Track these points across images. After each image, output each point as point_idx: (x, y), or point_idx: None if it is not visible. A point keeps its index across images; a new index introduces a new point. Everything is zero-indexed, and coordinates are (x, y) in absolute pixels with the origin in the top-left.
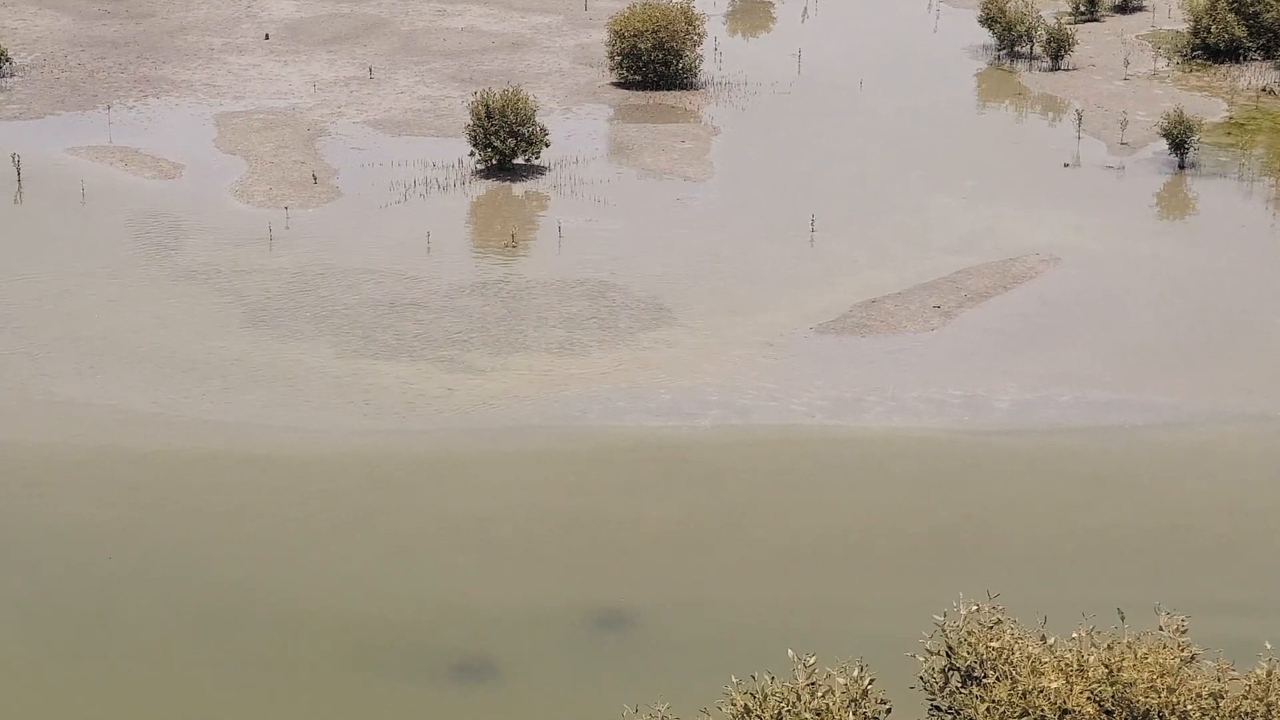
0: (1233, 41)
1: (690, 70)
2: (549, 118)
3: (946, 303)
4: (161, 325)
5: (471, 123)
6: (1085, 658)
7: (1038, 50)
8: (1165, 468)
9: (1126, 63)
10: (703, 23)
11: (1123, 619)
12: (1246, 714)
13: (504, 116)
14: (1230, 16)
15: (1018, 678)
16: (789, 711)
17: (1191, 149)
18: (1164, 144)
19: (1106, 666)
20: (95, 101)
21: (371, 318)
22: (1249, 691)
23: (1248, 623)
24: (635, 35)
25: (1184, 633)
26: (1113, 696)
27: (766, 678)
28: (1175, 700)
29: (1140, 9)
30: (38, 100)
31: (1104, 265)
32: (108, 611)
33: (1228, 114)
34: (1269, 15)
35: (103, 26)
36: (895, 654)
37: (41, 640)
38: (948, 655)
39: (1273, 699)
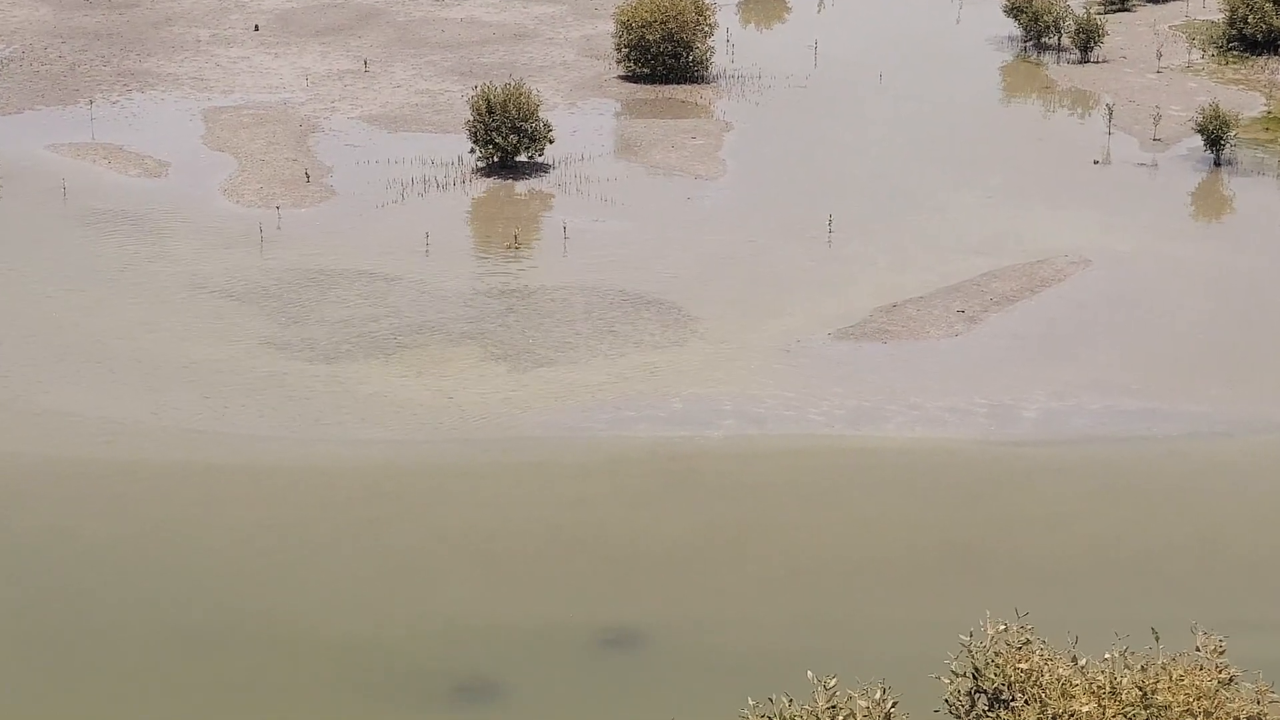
0: (1271, 32)
1: (701, 63)
2: (553, 113)
3: (971, 307)
4: (148, 330)
5: (472, 118)
6: (1118, 680)
7: (1066, 42)
8: (1201, 479)
9: (1159, 55)
10: (714, 13)
11: (1157, 639)
12: None
13: (506, 111)
14: (1268, 6)
15: (1047, 701)
16: None
17: (1228, 145)
18: (1199, 140)
19: (1140, 689)
20: (77, 96)
21: (368, 322)
22: None
23: None
24: (643, 26)
25: (1222, 653)
26: None
27: (784, 700)
28: None
29: None
30: (16, 95)
31: (1136, 267)
32: (91, 630)
33: (1266, 108)
34: None
35: (84, 17)
36: (919, 675)
37: (20, 661)
38: (974, 677)
39: None
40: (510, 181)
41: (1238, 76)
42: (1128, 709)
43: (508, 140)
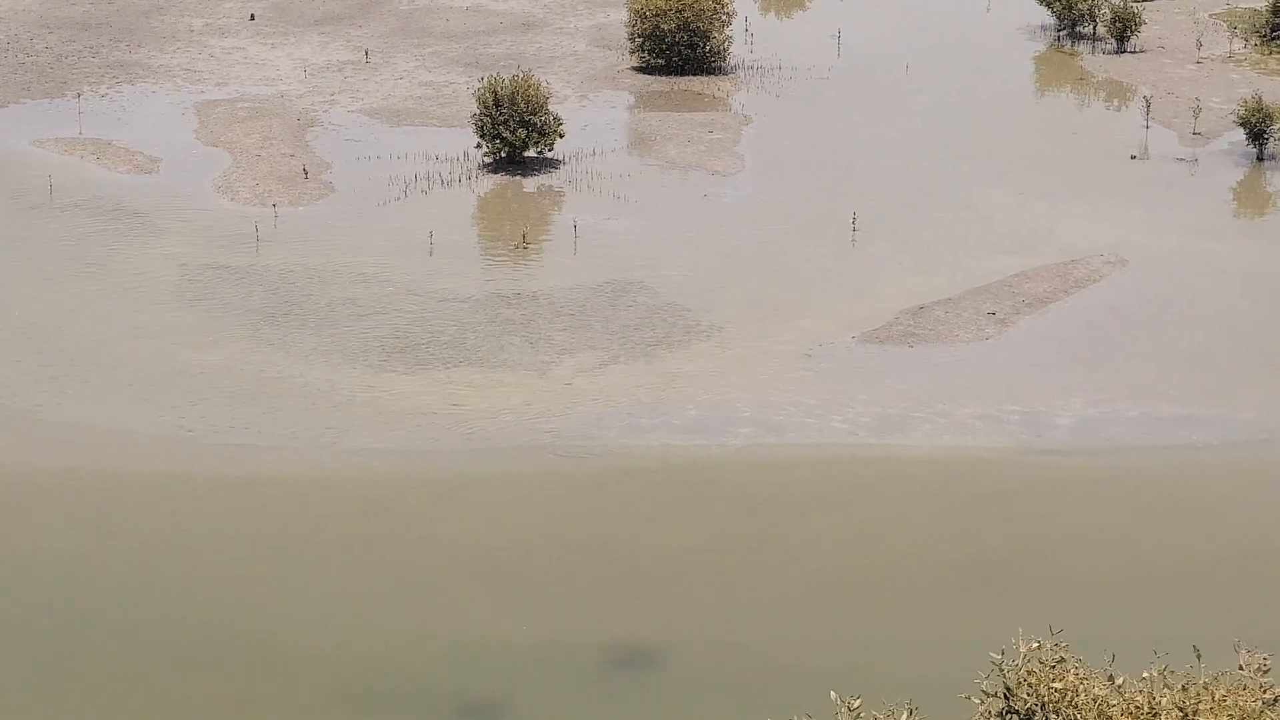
0: None
1: (718, 53)
2: (563, 106)
3: (1002, 309)
4: (137, 335)
5: (478, 111)
6: (1157, 700)
7: (1101, 31)
8: (1244, 489)
9: (1199, 44)
10: (732, 1)
11: (1198, 657)
12: None
13: (514, 105)
14: None
15: None
16: None
17: (1271, 139)
18: (1241, 134)
19: (1181, 710)
20: (64, 89)
21: (368, 326)
22: None
23: None
24: (658, 15)
25: (1266, 672)
26: None
27: None
28: None
29: None
30: (1, 87)
31: (1175, 267)
32: (79, 648)
33: None
34: None
35: (71, 6)
36: (948, 696)
37: (4, 680)
38: (1006, 697)
39: None
40: (518, 178)
41: None
42: None
43: (516, 135)
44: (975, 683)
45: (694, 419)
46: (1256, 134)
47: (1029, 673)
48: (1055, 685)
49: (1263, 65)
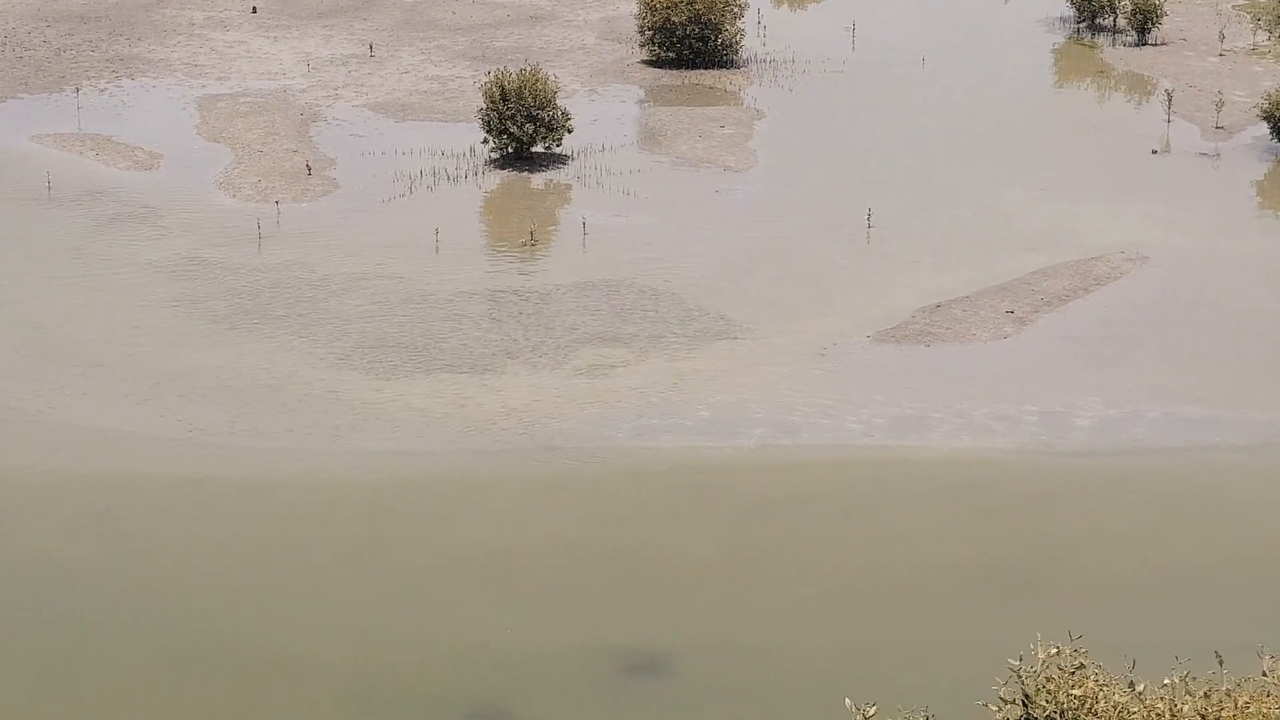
0: None
1: (730, 46)
2: (571, 100)
3: (1020, 307)
4: (137, 334)
5: (485, 106)
6: (1179, 707)
7: (1121, 22)
8: (1266, 492)
9: (1222, 36)
10: None
11: (1220, 663)
12: None
13: (521, 99)
14: None
15: None
16: None
17: None
18: (1265, 128)
19: (1202, 717)
20: (63, 83)
21: (373, 325)
22: None
23: None
24: (668, 7)
25: None
26: None
27: None
28: None
29: None
30: None
31: (1197, 265)
32: (75, 657)
33: None
34: None
35: None
36: (965, 702)
37: (3, 690)
38: (1024, 704)
39: None
40: (526, 174)
41: None
42: None
43: (523, 130)
44: (993, 689)
45: (706, 420)
46: None
47: (1048, 679)
48: (1075, 692)
49: None
